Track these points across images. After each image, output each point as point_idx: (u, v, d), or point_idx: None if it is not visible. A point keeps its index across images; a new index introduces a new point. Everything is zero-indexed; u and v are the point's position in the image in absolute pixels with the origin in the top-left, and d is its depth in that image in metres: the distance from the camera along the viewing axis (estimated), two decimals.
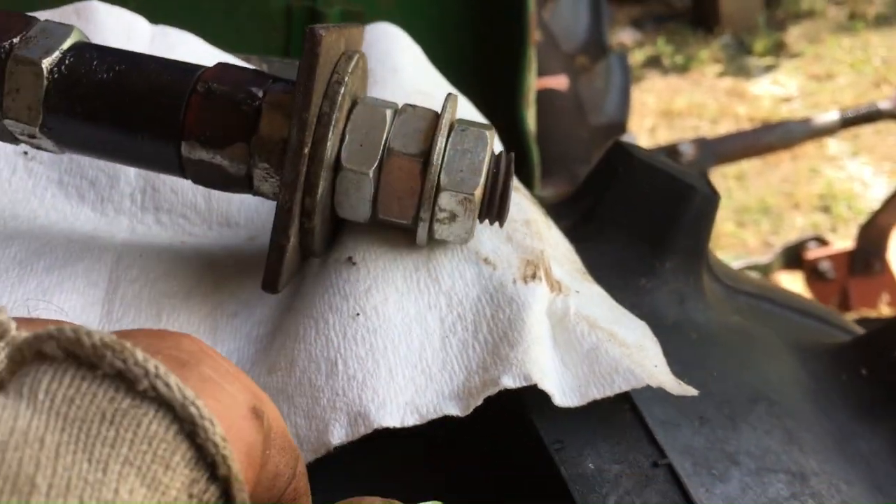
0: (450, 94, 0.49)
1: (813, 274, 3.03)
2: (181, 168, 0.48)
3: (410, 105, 0.49)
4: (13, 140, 0.49)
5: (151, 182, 0.58)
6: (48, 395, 0.23)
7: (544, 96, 1.58)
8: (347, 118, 0.47)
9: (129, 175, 0.58)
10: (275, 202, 0.50)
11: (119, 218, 0.57)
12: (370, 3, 1.26)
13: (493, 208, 0.48)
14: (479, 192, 0.47)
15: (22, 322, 0.28)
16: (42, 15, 0.59)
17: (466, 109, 0.67)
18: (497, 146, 0.56)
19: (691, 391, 0.46)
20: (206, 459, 0.25)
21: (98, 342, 0.24)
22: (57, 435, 0.22)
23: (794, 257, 3.14)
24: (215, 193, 0.58)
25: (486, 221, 0.50)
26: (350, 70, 0.46)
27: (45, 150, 0.49)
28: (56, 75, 0.47)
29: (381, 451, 0.45)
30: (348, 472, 0.45)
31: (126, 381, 0.24)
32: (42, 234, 0.53)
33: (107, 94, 0.47)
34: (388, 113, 0.47)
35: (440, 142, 0.46)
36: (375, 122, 0.47)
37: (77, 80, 0.47)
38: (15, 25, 0.48)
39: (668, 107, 4.74)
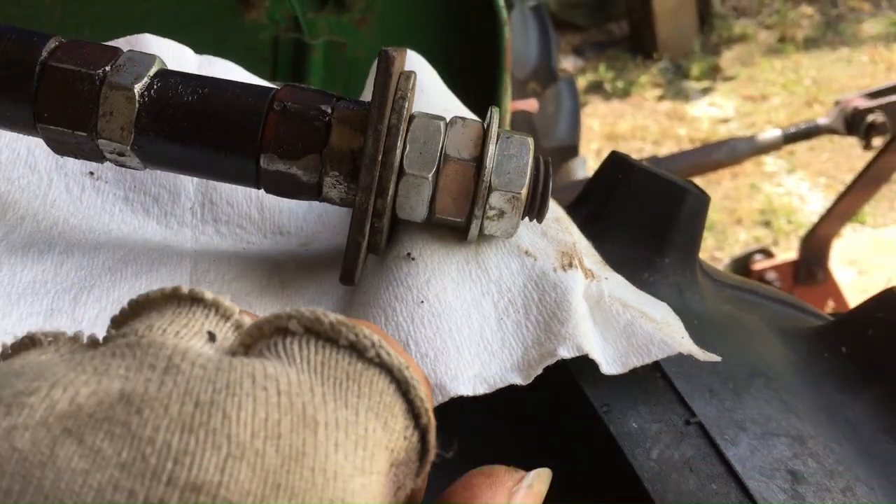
0: (492, 108, 0.56)
1: None
2: (256, 179, 0.54)
3: (459, 118, 0.55)
4: (100, 159, 0.55)
5: (209, 196, 0.63)
6: (304, 359, 0.30)
7: (513, 119, 1.66)
8: (408, 129, 0.53)
9: (189, 190, 0.63)
10: (323, 211, 0.56)
11: (183, 230, 0.62)
12: (353, 36, 1.33)
13: (535, 206, 0.55)
14: (524, 191, 0.53)
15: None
16: None
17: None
18: None
19: (715, 357, 0.53)
20: (414, 411, 0.33)
21: (334, 320, 0.31)
22: (320, 387, 0.29)
23: (741, 269, 3.28)
24: (267, 205, 0.64)
25: (526, 219, 0.57)
26: (410, 87, 0.52)
27: (129, 166, 0.55)
28: (146, 98, 0.52)
29: (448, 419, 0.51)
30: None
31: (357, 350, 0.31)
32: (122, 245, 0.58)
33: (192, 115, 0.52)
34: (442, 125, 0.54)
35: (490, 148, 0.53)
36: (431, 132, 0.53)
37: (165, 103, 0.52)
38: (104, 56, 0.53)
39: (612, 130, 4.90)
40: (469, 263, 0.56)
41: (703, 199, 0.75)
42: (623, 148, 4.74)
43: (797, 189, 4.34)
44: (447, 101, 0.71)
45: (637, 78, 5.26)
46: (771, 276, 3.12)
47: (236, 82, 0.55)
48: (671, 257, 0.75)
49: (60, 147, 0.54)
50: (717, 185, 4.36)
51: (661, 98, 5.13)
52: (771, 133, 2.44)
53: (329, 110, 0.53)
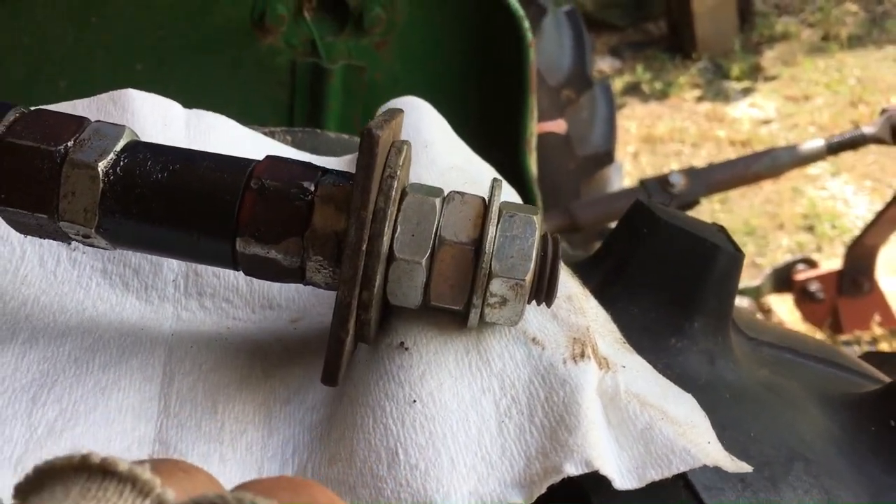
0: (495, 180, 0.51)
1: (803, 295, 3.07)
2: (234, 262, 0.49)
3: (457, 192, 0.50)
4: (66, 240, 0.50)
5: (194, 267, 0.58)
6: None
7: (539, 138, 1.60)
8: (398, 209, 0.48)
9: (172, 261, 0.59)
10: (324, 290, 0.51)
11: (164, 305, 0.57)
12: (372, 59, 1.28)
13: (542, 291, 0.50)
14: (529, 277, 0.48)
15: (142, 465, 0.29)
16: (79, 104, 0.60)
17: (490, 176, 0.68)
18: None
19: (745, 468, 0.47)
20: None
21: None
22: None
23: (783, 279, 3.17)
24: None
25: (534, 302, 0.51)
26: (401, 163, 0.47)
27: (98, 247, 0.50)
28: (111, 177, 0.48)
29: None
30: None
31: None
32: (93, 328, 0.53)
33: (162, 194, 0.48)
34: (437, 202, 0.49)
35: (491, 230, 0.48)
36: (425, 212, 0.48)
37: (132, 182, 0.48)
38: (68, 128, 0.49)
39: (650, 133, 4.80)
40: (469, 353, 0.50)
41: (735, 258, 0.69)
42: (661, 151, 4.64)
43: (841, 193, 4.21)
44: (455, 155, 0.65)
45: (675, 79, 5.15)
46: (814, 286, 3.02)
47: (212, 155, 0.50)
48: (701, 321, 0.68)
49: (23, 228, 0.50)
50: (759, 189, 4.24)
51: (700, 99, 5.02)
52: (814, 143, 2.35)
53: (312, 188, 0.48)
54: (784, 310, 3.19)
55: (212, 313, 0.58)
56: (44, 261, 0.58)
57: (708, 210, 4.10)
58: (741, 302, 3.00)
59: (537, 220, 0.49)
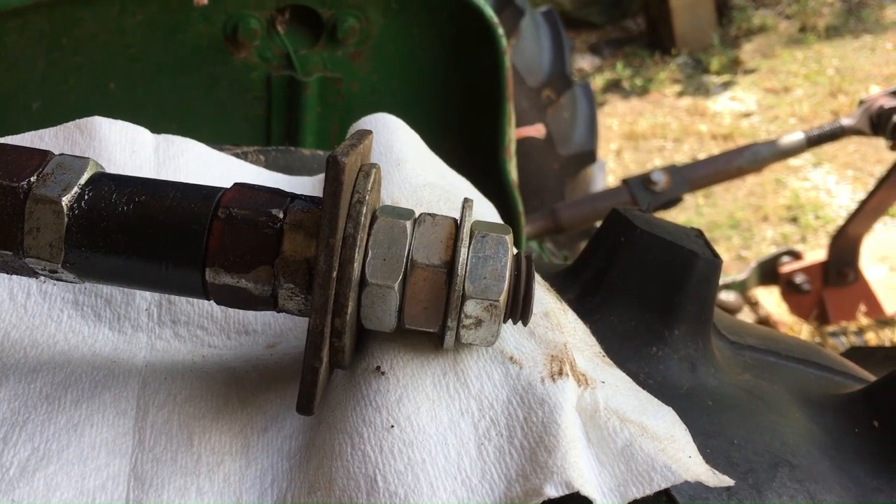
0: (466, 200, 0.50)
1: (788, 287, 3.08)
2: (205, 292, 0.48)
3: (428, 214, 0.49)
4: (33, 275, 0.49)
5: (167, 295, 0.58)
6: None
7: (520, 141, 1.59)
8: (369, 233, 0.47)
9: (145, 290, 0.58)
10: (298, 316, 0.50)
11: (137, 335, 0.57)
12: (348, 70, 1.28)
13: (518, 310, 0.49)
14: (503, 298, 0.47)
15: None
16: (45, 134, 0.59)
17: (469, 192, 0.68)
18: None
19: (727, 481, 0.47)
20: None
21: None
22: None
23: (769, 272, 3.18)
24: None
25: (510, 320, 0.51)
26: (369, 188, 0.47)
27: (66, 281, 0.49)
28: (76, 211, 0.47)
29: None
30: None
31: None
32: (64, 363, 0.53)
33: (128, 227, 0.47)
34: (408, 225, 0.48)
35: (462, 251, 0.47)
36: (396, 235, 0.48)
37: (98, 215, 0.47)
38: (31, 162, 0.48)
39: (632, 129, 4.81)
40: (446, 375, 0.50)
41: (713, 264, 0.69)
42: (643, 147, 4.66)
43: (824, 183, 4.23)
44: (428, 171, 0.65)
45: (656, 74, 5.17)
46: (800, 278, 3.03)
47: (178, 184, 0.49)
48: (681, 329, 0.68)
49: None
50: (742, 182, 4.25)
51: (680, 94, 5.04)
52: (794, 137, 2.35)
53: (281, 215, 0.47)
54: (771, 302, 3.20)
55: (186, 341, 0.57)
56: (14, 294, 0.57)
57: (692, 204, 4.12)
58: (727, 297, 3.01)
59: (509, 239, 0.49)
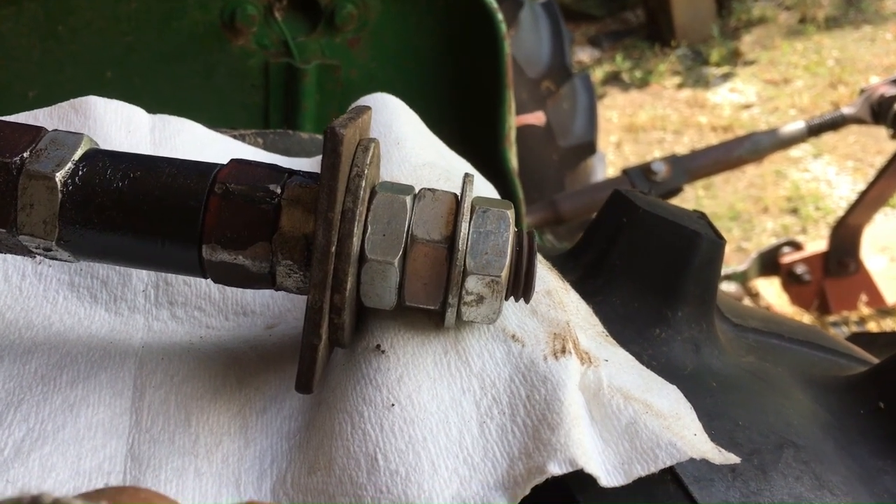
0: (467, 175, 0.49)
1: (789, 278, 3.07)
2: (202, 270, 0.48)
3: (428, 189, 0.49)
4: (28, 253, 0.48)
5: (164, 276, 0.57)
6: None
7: (520, 130, 1.59)
8: (368, 208, 0.47)
9: (141, 271, 0.57)
10: (296, 294, 0.50)
11: (134, 316, 0.56)
12: (346, 57, 1.27)
13: (520, 287, 0.48)
14: (505, 273, 0.47)
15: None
16: (39, 114, 0.58)
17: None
18: None
19: (733, 458, 0.46)
20: None
21: None
22: None
23: (769, 263, 3.18)
24: None
25: (511, 298, 0.50)
26: (368, 161, 0.46)
27: (61, 260, 0.49)
28: (70, 187, 0.46)
29: None
30: None
31: None
32: (60, 344, 0.52)
33: (123, 203, 0.46)
34: (408, 200, 0.47)
35: (463, 227, 0.46)
36: (396, 210, 0.47)
37: (92, 191, 0.46)
38: (23, 138, 0.47)
39: (632, 121, 4.80)
40: (448, 354, 0.49)
41: (717, 244, 0.68)
42: (643, 139, 4.64)
43: (824, 174, 4.21)
44: (427, 151, 0.64)
45: (655, 66, 5.15)
46: (800, 269, 3.02)
47: (174, 160, 0.48)
48: (684, 310, 0.67)
49: None
50: (742, 173, 4.24)
51: (680, 86, 5.02)
52: (794, 126, 2.34)
53: (278, 190, 0.46)
54: (772, 293, 3.19)
55: (184, 323, 0.56)
56: (8, 275, 0.56)
57: (692, 196, 4.10)
58: (728, 287, 3.00)
59: (511, 214, 0.48)
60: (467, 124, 1.31)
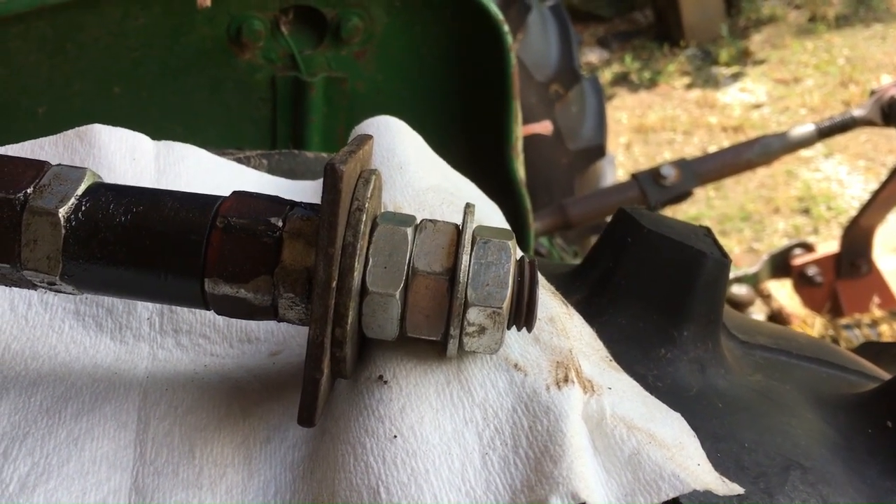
0: (468, 206, 0.49)
1: (801, 280, 3.06)
2: (205, 303, 0.48)
3: (430, 220, 0.49)
4: (32, 287, 0.49)
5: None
6: None
7: (528, 138, 1.58)
8: (369, 241, 0.47)
9: None
10: (296, 325, 0.50)
11: (139, 345, 0.56)
12: (353, 69, 1.27)
13: (521, 316, 0.48)
14: (506, 304, 0.47)
15: None
16: (45, 142, 0.59)
17: (473, 196, 0.67)
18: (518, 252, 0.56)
19: (737, 489, 0.46)
20: None
21: None
22: None
23: (781, 265, 3.16)
24: None
25: (514, 327, 0.50)
26: (369, 195, 0.46)
27: (65, 293, 0.49)
28: (73, 222, 0.46)
29: None
30: None
31: None
32: (65, 375, 0.52)
33: (126, 238, 0.46)
34: (409, 232, 0.47)
35: (464, 258, 0.46)
36: (397, 242, 0.47)
37: (95, 226, 0.46)
38: (27, 173, 0.47)
39: (641, 122, 4.78)
40: (450, 384, 0.49)
41: (722, 263, 0.68)
42: (653, 140, 4.63)
43: (836, 174, 4.19)
44: (431, 174, 0.64)
45: (664, 67, 5.14)
46: (812, 270, 3.00)
47: (176, 193, 0.48)
48: (690, 329, 0.67)
49: None
50: (752, 174, 4.22)
51: (689, 86, 5.01)
52: (804, 128, 2.33)
53: (280, 223, 0.47)
54: (783, 295, 3.18)
55: (189, 351, 0.56)
56: (14, 305, 0.56)
57: (703, 197, 4.09)
58: (739, 290, 2.98)
59: (512, 245, 0.48)
60: (474, 135, 1.31)
